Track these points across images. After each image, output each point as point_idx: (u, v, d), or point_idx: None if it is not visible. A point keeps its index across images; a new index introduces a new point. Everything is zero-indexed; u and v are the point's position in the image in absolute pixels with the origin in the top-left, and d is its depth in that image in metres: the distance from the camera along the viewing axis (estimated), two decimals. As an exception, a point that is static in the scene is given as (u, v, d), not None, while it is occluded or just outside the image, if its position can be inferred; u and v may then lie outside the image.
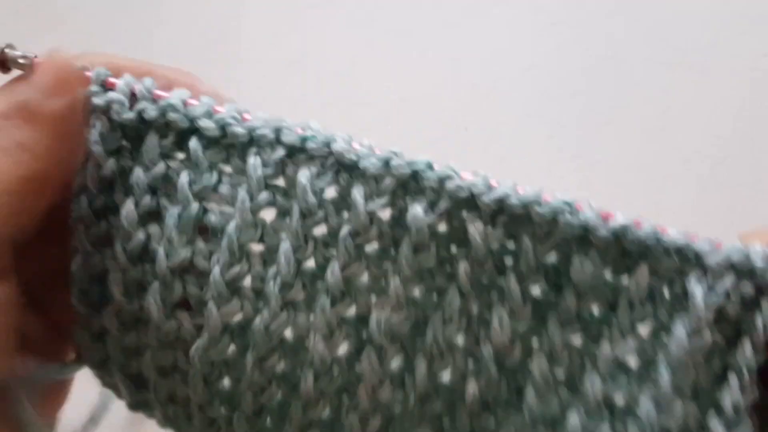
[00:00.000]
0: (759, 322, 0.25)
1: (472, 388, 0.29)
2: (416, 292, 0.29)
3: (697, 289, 0.26)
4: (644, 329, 0.28)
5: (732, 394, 0.25)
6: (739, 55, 0.77)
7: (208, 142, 0.29)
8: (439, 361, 0.29)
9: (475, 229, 0.28)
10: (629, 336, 0.27)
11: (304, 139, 0.29)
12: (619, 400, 0.27)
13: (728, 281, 0.25)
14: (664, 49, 0.78)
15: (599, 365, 0.28)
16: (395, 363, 0.29)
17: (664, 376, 0.26)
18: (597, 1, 0.79)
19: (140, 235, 0.29)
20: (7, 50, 0.29)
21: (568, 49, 0.78)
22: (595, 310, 0.28)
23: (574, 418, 0.28)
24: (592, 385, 0.27)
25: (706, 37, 0.78)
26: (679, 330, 0.26)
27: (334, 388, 0.29)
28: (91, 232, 0.30)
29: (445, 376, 0.29)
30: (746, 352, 0.25)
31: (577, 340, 0.28)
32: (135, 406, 0.32)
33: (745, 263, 0.25)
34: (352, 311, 0.29)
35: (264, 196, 0.29)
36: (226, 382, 0.30)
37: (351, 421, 0.29)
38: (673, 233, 0.29)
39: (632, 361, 0.28)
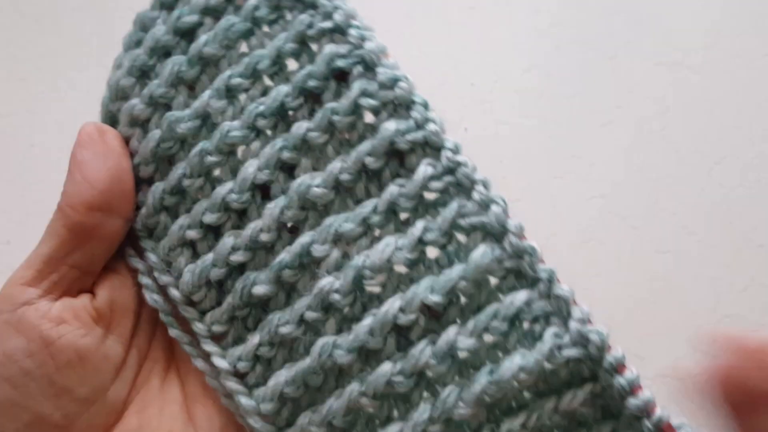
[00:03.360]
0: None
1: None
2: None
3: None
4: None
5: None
6: (739, 55, 0.77)
7: None
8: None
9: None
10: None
11: (349, 25, 0.33)
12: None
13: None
14: (664, 49, 0.78)
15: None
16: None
17: None
18: (597, 1, 0.79)
19: (196, 17, 0.34)
20: None
21: (567, 49, 0.78)
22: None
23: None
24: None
25: (706, 37, 0.78)
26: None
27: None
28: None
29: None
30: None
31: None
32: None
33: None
34: (288, 160, 0.33)
35: (295, 47, 0.33)
36: (173, 151, 0.34)
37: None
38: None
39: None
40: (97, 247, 0.33)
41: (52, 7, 0.80)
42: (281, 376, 0.32)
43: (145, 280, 0.34)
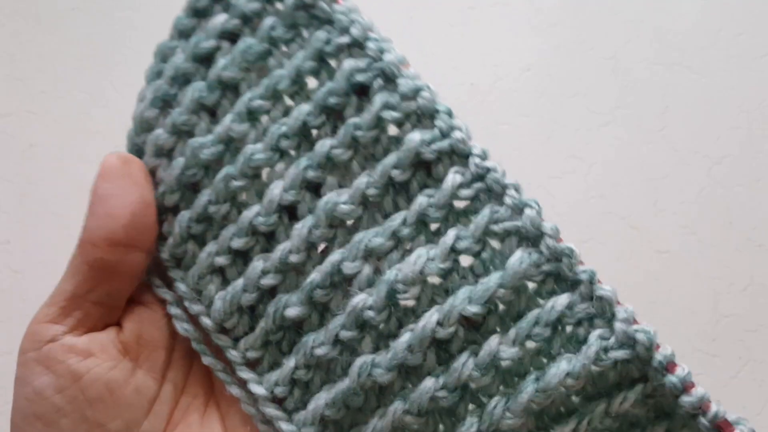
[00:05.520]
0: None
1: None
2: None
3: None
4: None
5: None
6: (739, 55, 0.77)
7: (301, 6, 0.33)
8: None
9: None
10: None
11: (366, 38, 0.32)
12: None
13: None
14: (664, 49, 0.78)
15: None
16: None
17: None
18: (597, 1, 0.79)
19: (213, 42, 0.34)
20: None
21: (568, 49, 0.78)
22: None
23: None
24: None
25: (706, 37, 0.78)
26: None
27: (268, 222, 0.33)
28: (183, 23, 0.35)
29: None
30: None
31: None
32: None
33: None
34: (314, 179, 0.32)
35: (313, 64, 0.33)
36: (197, 178, 0.33)
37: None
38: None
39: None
40: (120, 282, 0.32)
41: (52, 7, 0.80)
42: (321, 399, 0.31)
43: (174, 310, 0.33)
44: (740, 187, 0.74)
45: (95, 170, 0.35)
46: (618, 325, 0.29)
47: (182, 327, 0.33)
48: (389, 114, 0.32)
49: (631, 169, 0.75)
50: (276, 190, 0.32)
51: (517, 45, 0.79)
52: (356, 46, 0.33)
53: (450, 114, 0.32)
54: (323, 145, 0.32)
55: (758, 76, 0.76)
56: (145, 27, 0.79)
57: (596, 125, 0.77)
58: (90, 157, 0.81)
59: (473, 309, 0.29)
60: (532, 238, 0.30)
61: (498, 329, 0.30)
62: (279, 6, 0.34)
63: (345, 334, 0.31)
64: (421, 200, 0.31)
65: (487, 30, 0.79)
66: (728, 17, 0.78)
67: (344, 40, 0.33)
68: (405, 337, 0.30)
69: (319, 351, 0.31)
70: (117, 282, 0.32)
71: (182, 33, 0.35)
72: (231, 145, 0.33)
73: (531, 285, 0.31)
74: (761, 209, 0.74)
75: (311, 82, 0.33)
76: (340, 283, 0.31)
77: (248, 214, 0.32)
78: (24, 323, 0.32)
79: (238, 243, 0.32)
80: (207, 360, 0.33)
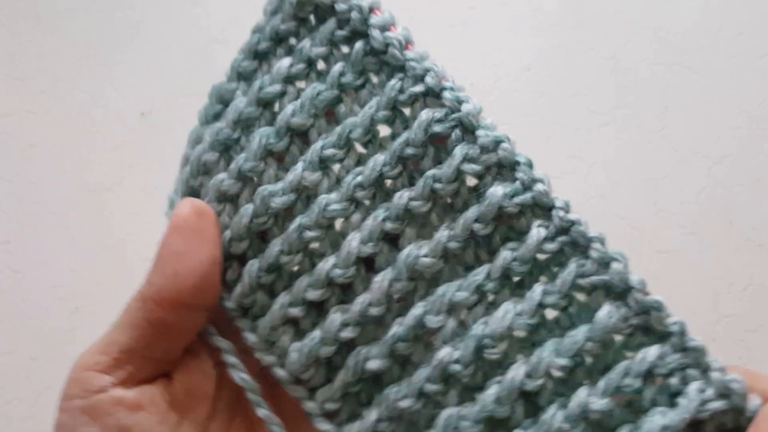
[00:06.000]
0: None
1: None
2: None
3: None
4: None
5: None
6: (739, 55, 0.77)
7: (371, 51, 0.33)
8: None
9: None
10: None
11: (443, 88, 0.33)
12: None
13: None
14: (663, 49, 0.78)
15: None
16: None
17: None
18: (597, 1, 0.79)
19: (278, 87, 0.33)
20: None
21: (568, 49, 0.78)
22: None
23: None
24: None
25: (706, 37, 0.78)
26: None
27: (342, 281, 0.32)
28: (243, 65, 0.34)
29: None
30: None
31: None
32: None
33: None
34: (392, 230, 0.32)
35: (387, 113, 0.33)
36: (266, 226, 0.33)
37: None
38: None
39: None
40: (178, 339, 0.32)
41: (52, 7, 0.80)
42: None
43: (231, 359, 0.33)
44: (740, 187, 0.74)
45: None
46: (715, 376, 0.29)
47: (239, 377, 0.33)
48: (470, 167, 0.32)
49: (631, 169, 0.75)
50: (354, 242, 0.32)
51: (517, 45, 0.79)
52: (431, 95, 0.33)
53: (530, 165, 0.33)
54: (401, 197, 0.32)
55: (758, 76, 0.76)
56: (145, 27, 0.79)
57: (596, 125, 0.77)
58: (90, 156, 0.81)
59: (561, 361, 0.30)
60: (619, 291, 0.30)
61: (585, 382, 0.30)
62: (344, 49, 0.34)
63: (430, 387, 0.31)
64: (505, 254, 0.31)
65: (487, 30, 0.79)
66: (728, 17, 0.78)
67: (419, 89, 0.33)
68: (493, 390, 0.30)
69: (403, 403, 0.31)
70: (175, 339, 0.31)
71: (242, 75, 0.35)
72: (302, 193, 0.32)
73: (618, 338, 0.31)
74: (761, 209, 0.74)
75: (383, 130, 0.33)
76: (422, 336, 0.31)
77: (324, 266, 0.32)
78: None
79: (313, 294, 0.32)
80: (263, 413, 0.33)
